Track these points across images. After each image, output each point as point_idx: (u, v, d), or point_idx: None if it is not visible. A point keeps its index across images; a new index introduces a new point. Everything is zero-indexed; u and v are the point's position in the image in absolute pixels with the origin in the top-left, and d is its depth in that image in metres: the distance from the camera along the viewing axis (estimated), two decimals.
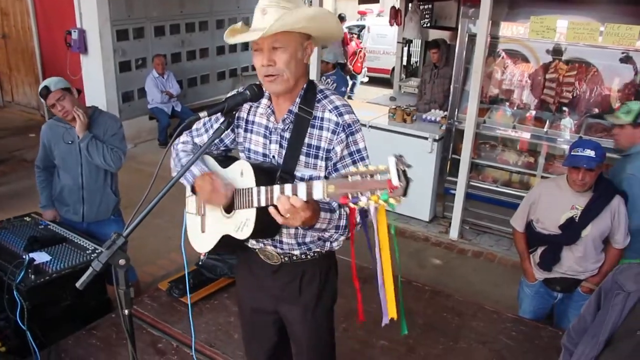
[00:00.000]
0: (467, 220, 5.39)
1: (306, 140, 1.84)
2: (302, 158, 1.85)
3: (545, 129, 4.87)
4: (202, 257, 2.03)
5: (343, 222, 1.84)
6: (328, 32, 1.85)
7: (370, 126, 5.56)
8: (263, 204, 1.70)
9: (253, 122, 1.96)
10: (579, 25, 4.37)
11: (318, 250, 2.00)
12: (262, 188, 1.70)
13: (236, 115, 1.96)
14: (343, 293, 2.23)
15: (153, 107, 7.64)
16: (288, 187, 1.61)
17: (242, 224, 1.80)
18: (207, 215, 1.97)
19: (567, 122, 4.89)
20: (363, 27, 13.17)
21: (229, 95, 1.85)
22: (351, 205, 1.45)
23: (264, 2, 1.74)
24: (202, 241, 2.00)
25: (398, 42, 7.83)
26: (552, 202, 3.12)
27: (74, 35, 7.12)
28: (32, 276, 2.88)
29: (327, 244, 1.99)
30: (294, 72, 1.78)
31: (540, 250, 3.23)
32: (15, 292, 2.79)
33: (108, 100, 7.26)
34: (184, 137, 2.08)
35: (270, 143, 1.92)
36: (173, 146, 2.04)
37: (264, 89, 1.84)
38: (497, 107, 5.24)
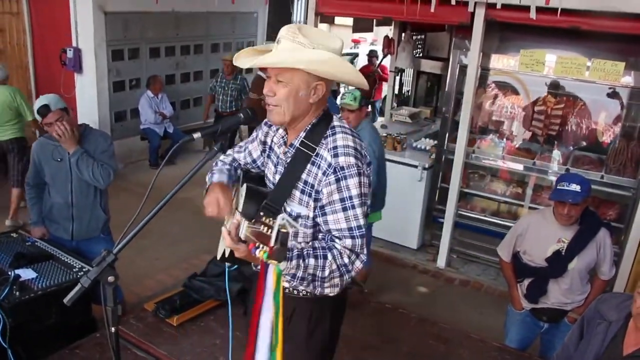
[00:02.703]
0: (455, 249, 5.41)
1: (303, 176, 1.80)
2: (297, 194, 1.81)
3: (533, 161, 4.94)
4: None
5: (325, 274, 1.71)
6: (342, 77, 1.82)
7: None
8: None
9: (272, 149, 1.99)
10: (567, 59, 4.47)
11: (308, 291, 1.88)
12: (238, 215, 1.71)
13: (263, 140, 2.03)
14: None
15: (145, 128, 7.66)
16: (242, 221, 1.59)
17: None
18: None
19: (555, 154, 4.97)
20: (357, 55, 13.33)
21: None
22: (253, 254, 1.46)
23: (282, 32, 1.73)
24: (220, 247, 2.00)
25: (390, 71, 7.93)
26: (539, 234, 3.15)
27: (69, 53, 7.15)
28: (17, 293, 2.85)
29: (317, 290, 1.79)
30: (292, 108, 1.76)
31: (527, 282, 3.25)
32: None
33: (101, 119, 7.28)
34: (229, 151, 2.13)
35: (276, 172, 1.93)
36: (217, 159, 2.00)
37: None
38: (486, 138, 5.31)
